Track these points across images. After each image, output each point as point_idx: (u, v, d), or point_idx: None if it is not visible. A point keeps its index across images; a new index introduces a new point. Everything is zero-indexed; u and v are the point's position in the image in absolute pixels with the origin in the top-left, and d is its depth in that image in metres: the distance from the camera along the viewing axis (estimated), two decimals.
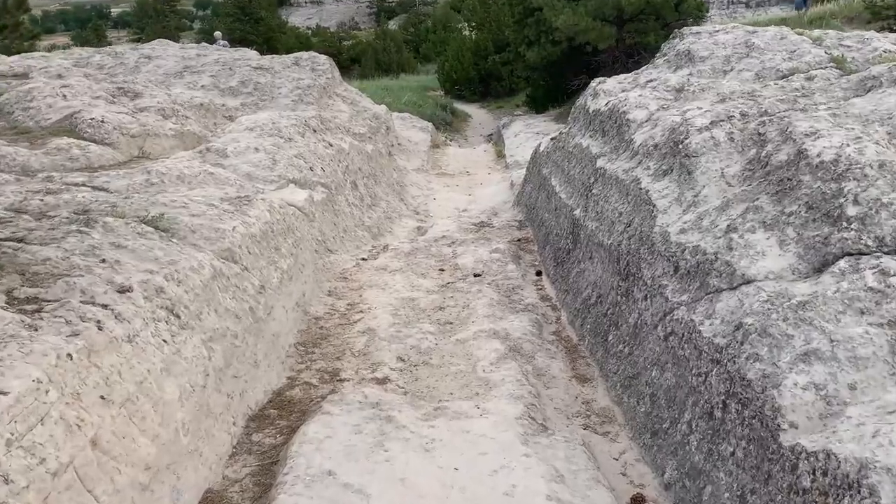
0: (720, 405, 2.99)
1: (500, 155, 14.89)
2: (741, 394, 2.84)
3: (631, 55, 16.93)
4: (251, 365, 3.97)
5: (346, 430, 3.37)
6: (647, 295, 4.07)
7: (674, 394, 3.46)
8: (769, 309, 3.02)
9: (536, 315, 5.28)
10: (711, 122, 4.70)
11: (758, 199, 3.76)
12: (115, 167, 6.94)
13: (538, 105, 20.42)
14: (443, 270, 6.52)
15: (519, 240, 7.65)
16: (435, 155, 14.94)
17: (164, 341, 3.19)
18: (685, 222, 4.08)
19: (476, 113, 23.70)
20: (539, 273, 6.50)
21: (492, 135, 18.79)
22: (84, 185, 5.90)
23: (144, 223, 4.26)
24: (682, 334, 3.49)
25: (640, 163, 5.16)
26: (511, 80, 25.04)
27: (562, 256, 6.16)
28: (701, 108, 5.12)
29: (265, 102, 11.10)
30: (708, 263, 3.57)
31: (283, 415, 3.77)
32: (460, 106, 24.21)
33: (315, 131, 8.89)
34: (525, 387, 4.05)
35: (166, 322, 3.31)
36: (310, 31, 52.79)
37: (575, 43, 17.00)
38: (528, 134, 15.58)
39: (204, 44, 16.15)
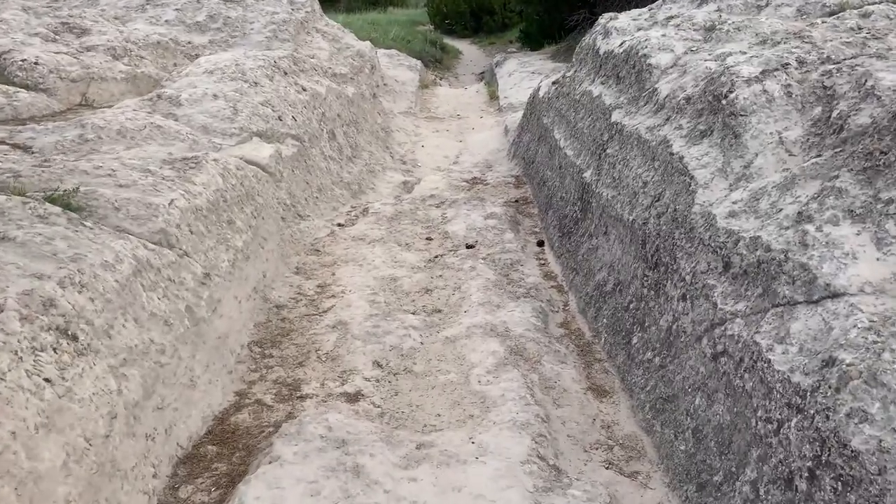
0: (805, 474, 2.19)
1: (493, 96, 13.83)
2: (841, 468, 2.04)
3: None
4: (185, 386, 3.14)
5: (299, 493, 2.55)
6: (685, 294, 3.23)
7: (728, 436, 2.66)
8: (876, 343, 2.19)
9: (541, 301, 4.45)
10: (762, 72, 3.78)
11: (837, 176, 2.89)
12: (48, 118, 5.96)
13: (533, 42, 19.17)
14: (430, 240, 5.66)
15: (517, 200, 6.77)
16: (424, 96, 13.87)
17: (48, 380, 2.34)
18: (735, 202, 3.21)
19: (467, 49, 22.37)
20: (541, 243, 5.65)
21: (484, 73, 17.64)
22: (3, 142, 4.96)
23: (50, 201, 3.36)
24: (741, 359, 2.67)
25: (667, 119, 4.25)
26: (504, 14, 23.67)
27: (568, 226, 5.30)
28: (745, 53, 4.19)
29: (236, 39, 9.99)
30: (774, 264, 2.72)
31: (223, 453, 2.96)
32: (451, 42, 22.85)
33: (286, 73, 7.85)
34: (531, 407, 3.25)
35: (55, 350, 2.46)
36: None
37: None
38: (522, 73, 14.47)
39: None
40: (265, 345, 3.92)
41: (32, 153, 4.82)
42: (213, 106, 6.26)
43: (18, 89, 6.06)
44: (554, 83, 7.80)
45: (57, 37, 7.61)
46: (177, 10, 10.56)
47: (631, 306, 3.78)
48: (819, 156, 3.14)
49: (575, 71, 7.02)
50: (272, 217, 5.26)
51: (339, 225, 6.07)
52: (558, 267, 5.13)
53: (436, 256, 5.28)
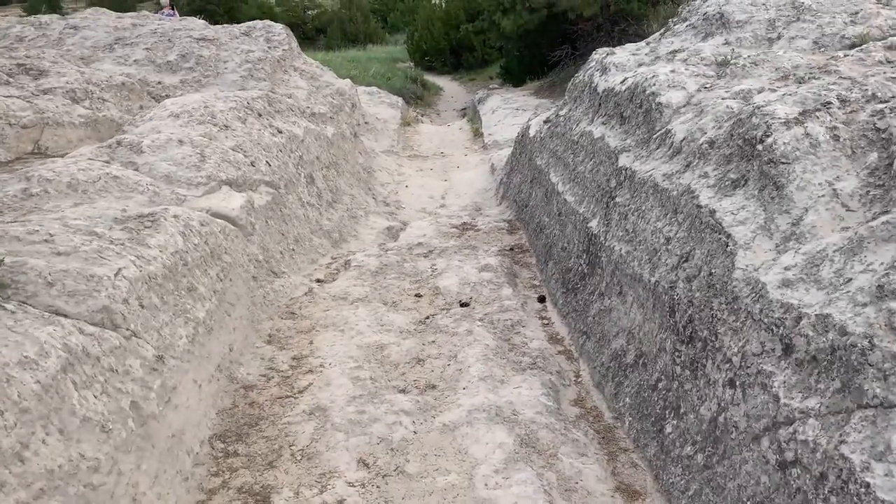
0: None
1: (477, 133, 13.43)
2: None
3: (616, 22, 15.44)
4: None
5: None
6: (733, 380, 2.69)
7: None
8: None
9: (550, 374, 3.90)
10: (802, 113, 3.31)
11: None
12: None
13: (514, 78, 18.90)
14: (420, 297, 5.10)
15: (511, 248, 6.24)
16: (406, 133, 13.43)
17: None
18: (788, 268, 2.70)
19: (448, 86, 22.10)
20: (542, 299, 5.11)
21: (465, 109, 17.30)
22: None
23: None
24: (822, 474, 2.12)
25: (688, 166, 3.76)
26: (484, 50, 23.49)
27: (573, 281, 4.77)
28: (774, 91, 3.73)
29: (209, 79, 9.51)
30: (856, 352, 2.19)
31: None
32: (431, 78, 22.59)
33: (261, 115, 7.33)
34: None
35: None
36: (273, 1, 50.35)
37: (556, 10, 15.45)
38: (506, 110, 14.12)
39: (145, 12, 14.38)
40: (229, 439, 3.32)
41: None
42: (178, 153, 5.70)
43: None
44: (546, 122, 7.34)
45: (11, 79, 7.04)
46: (146, 48, 10.03)
47: (660, 385, 3.24)
48: (887, 212, 2.64)
49: (569, 109, 6.56)
50: (241, 277, 4.68)
51: (317, 281, 5.50)
52: (564, 328, 4.59)
53: (427, 317, 4.72)
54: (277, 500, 2.87)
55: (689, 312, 3.10)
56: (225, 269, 4.46)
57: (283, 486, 2.96)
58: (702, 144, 3.75)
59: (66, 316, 2.91)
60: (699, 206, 3.36)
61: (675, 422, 3.04)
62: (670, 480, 2.92)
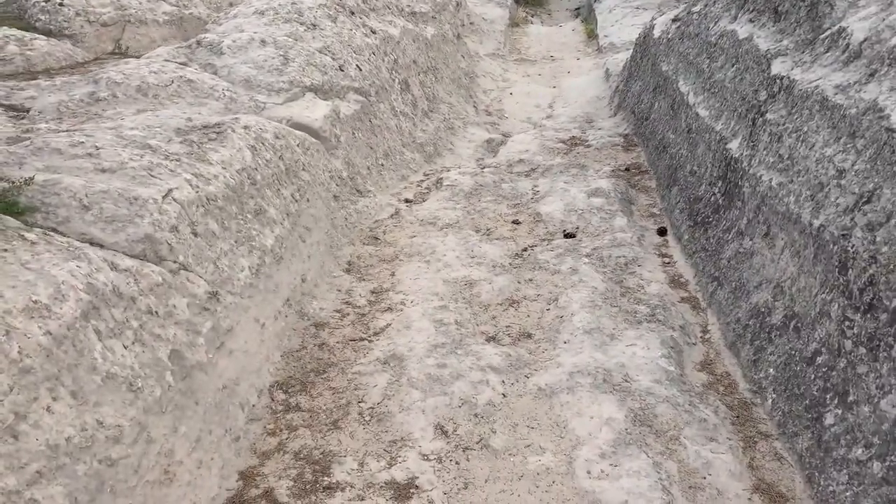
0: None
1: (592, 35, 12.26)
2: None
3: None
4: (154, 484, 2.14)
5: None
6: None
7: None
8: None
9: (671, 329, 3.24)
10: None
11: None
12: (66, 71, 5.06)
13: None
14: (517, 224, 4.48)
15: (627, 168, 5.46)
16: (514, 35, 12.43)
17: None
18: None
19: None
20: (663, 232, 4.37)
21: (580, 9, 15.91)
22: None
23: None
24: None
25: (872, 75, 2.88)
26: None
27: (704, 213, 4.00)
28: None
29: None
30: None
31: None
32: None
33: (353, 13, 6.68)
34: None
35: None
36: None
37: None
38: (625, 9, 12.76)
39: None
40: (293, 388, 2.90)
41: (23, 119, 3.91)
42: (260, 54, 5.18)
43: (36, 36, 5.17)
44: (674, 20, 6.33)
45: None
46: None
47: (819, 361, 2.53)
48: None
49: (705, 4, 5.55)
50: (321, 197, 4.20)
51: (406, 201, 4.96)
52: (689, 270, 3.87)
53: (524, 249, 4.11)
54: (338, 472, 2.43)
55: (871, 272, 2.35)
56: (302, 189, 3.98)
57: (346, 454, 2.52)
58: (894, 48, 2.85)
59: (101, 246, 2.49)
60: (890, 131, 2.52)
61: (839, 411, 2.34)
62: (830, 489, 2.26)
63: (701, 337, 3.28)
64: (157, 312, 2.48)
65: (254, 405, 2.76)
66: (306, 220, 3.89)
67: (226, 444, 2.51)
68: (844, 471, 2.23)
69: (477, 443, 2.57)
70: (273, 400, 2.83)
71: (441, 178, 5.29)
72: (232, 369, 2.73)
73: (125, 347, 2.26)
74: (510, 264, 3.93)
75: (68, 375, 2.01)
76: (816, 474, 2.35)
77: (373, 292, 3.67)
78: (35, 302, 2.04)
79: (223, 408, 2.58)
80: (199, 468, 2.34)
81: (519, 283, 3.72)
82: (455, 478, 2.42)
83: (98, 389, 2.07)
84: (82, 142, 3.05)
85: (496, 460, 2.49)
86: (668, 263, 3.97)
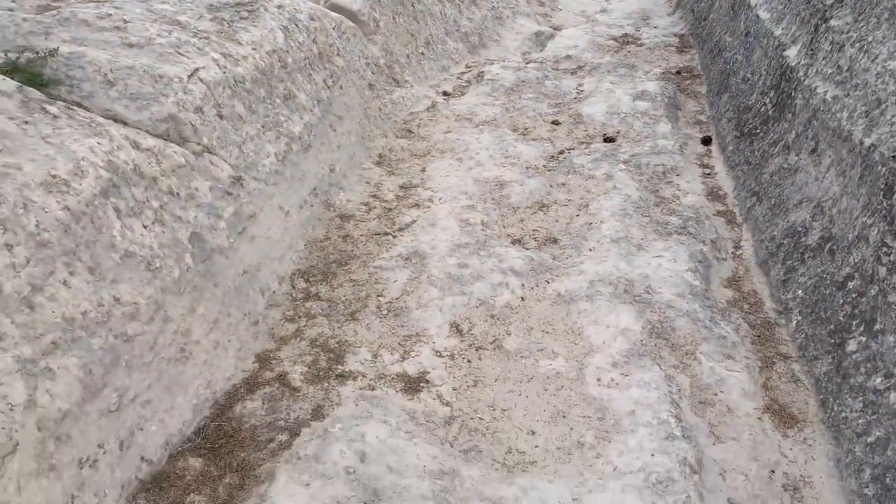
0: None
1: None
2: None
3: None
4: (169, 361, 2.20)
5: None
6: None
7: None
8: None
9: (702, 243, 3.14)
10: None
11: None
12: None
13: None
14: (557, 125, 4.33)
15: (679, 71, 5.19)
16: None
17: None
18: None
19: None
20: (707, 141, 4.19)
21: None
22: None
23: (9, 71, 2.36)
24: None
25: None
26: None
27: (752, 124, 3.80)
28: None
29: None
30: None
31: (207, 474, 2.03)
32: None
33: None
34: (676, 444, 2.10)
35: None
36: None
37: None
38: None
39: None
40: (314, 278, 2.92)
41: None
42: None
43: None
44: None
45: None
46: None
47: (851, 286, 2.43)
48: None
49: None
50: (355, 85, 4.10)
51: (444, 94, 4.82)
52: (730, 182, 3.72)
53: (561, 152, 3.99)
54: (351, 362, 2.47)
55: None
56: (335, 75, 3.88)
57: (361, 345, 2.55)
58: None
59: (124, 123, 2.47)
60: None
61: (863, 339, 2.27)
62: (843, 415, 2.22)
63: (732, 253, 3.19)
64: (178, 194, 2.48)
65: (274, 291, 2.80)
66: (338, 109, 3.81)
67: (244, 328, 2.56)
68: (860, 398, 2.19)
69: (490, 343, 2.58)
70: (294, 288, 2.86)
71: (483, 72, 5.11)
72: (253, 255, 2.75)
73: (145, 227, 2.28)
74: (544, 167, 3.83)
75: (86, 252, 2.03)
76: (831, 399, 2.31)
77: (401, 187, 3.63)
78: (54, 177, 2.04)
79: (243, 292, 2.62)
80: (216, 349, 2.40)
81: (551, 186, 3.64)
82: (466, 375, 2.45)
83: (116, 267, 2.11)
84: (110, 14, 2.98)
85: (508, 361, 2.50)
86: (709, 175, 3.82)
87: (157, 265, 2.24)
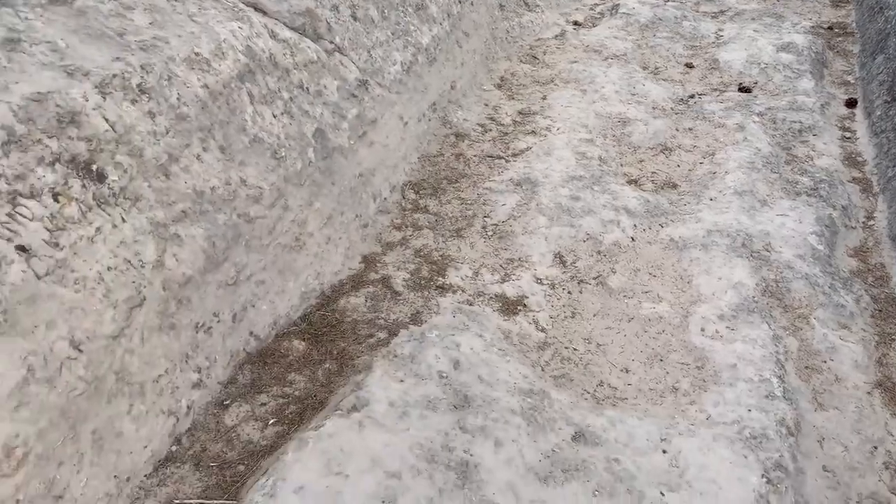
0: None
1: None
2: None
3: None
4: (284, 248, 2.28)
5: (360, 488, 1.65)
6: None
7: None
8: None
9: (831, 207, 2.96)
10: None
11: None
12: None
13: None
14: (690, 68, 4.13)
15: (830, 27, 4.82)
16: None
17: (22, 250, 1.54)
18: None
19: None
20: (852, 103, 3.90)
21: None
22: None
23: None
24: None
25: None
26: None
27: None
28: None
29: None
30: None
31: (310, 357, 2.12)
32: None
33: None
34: (776, 405, 2.04)
35: (55, 196, 1.63)
36: None
37: None
38: None
39: None
40: (424, 191, 2.94)
41: None
42: None
43: None
44: None
45: None
46: None
47: None
48: None
49: None
50: (486, 3, 4.01)
51: (574, 23, 4.66)
52: (871, 150, 3.46)
53: (691, 96, 3.81)
54: (452, 276, 2.49)
55: None
56: None
57: (463, 262, 2.57)
58: None
59: (264, 12, 2.52)
60: None
61: None
62: None
63: (863, 223, 2.99)
64: (307, 89, 2.52)
65: (385, 198, 2.83)
66: (466, 25, 3.75)
67: (354, 228, 2.61)
68: None
69: (594, 278, 2.55)
70: (404, 198, 2.89)
71: (618, 4, 4.90)
72: (370, 160, 2.78)
73: (274, 116, 2.34)
74: (672, 109, 3.67)
75: (219, 131, 2.11)
76: None
77: (520, 112, 3.56)
78: (197, 54, 2.11)
79: (357, 194, 2.67)
80: (328, 243, 2.47)
81: (677, 130, 3.49)
82: (564, 305, 2.43)
83: (244, 150, 2.18)
84: None
85: (609, 298, 2.47)
86: (848, 139, 3.57)
87: (282, 154, 2.31)
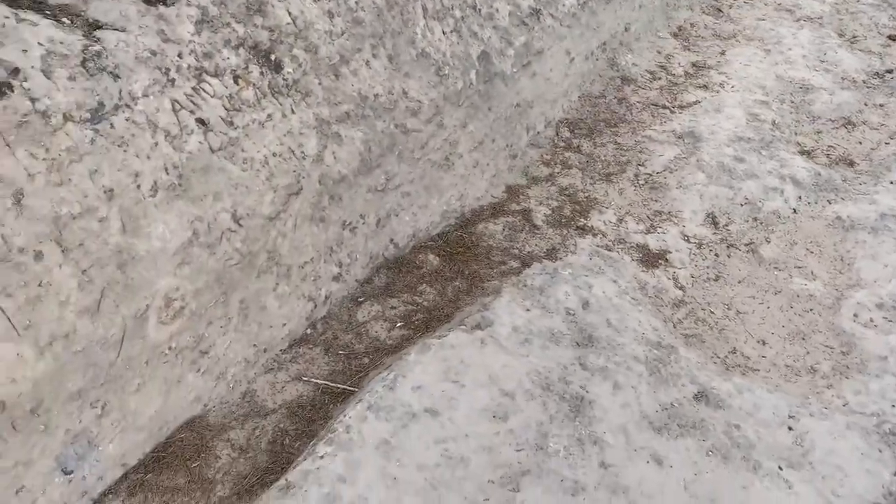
0: None
1: None
2: None
3: None
4: (433, 165, 2.31)
5: (471, 413, 1.69)
6: None
7: None
8: None
9: None
10: None
11: None
12: None
13: None
14: (893, 41, 3.74)
15: None
16: None
17: (201, 122, 1.67)
18: None
19: None
20: None
21: None
22: None
23: None
24: None
25: None
26: None
27: None
28: None
29: None
30: None
31: (442, 272, 2.17)
32: None
33: None
34: None
35: (235, 78, 1.74)
36: None
37: None
38: None
39: None
40: (579, 131, 2.88)
41: None
42: None
43: None
44: None
45: None
46: None
47: None
48: None
49: None
50: None
51: None
52: None
53: (889, 70, 3.46)
54: (595, 219, 2.45)
55: None
56: None
57: (609, 207, 2.52)
58: None
59: None
60: None
61: None
62: None
63: None
64: (479, 10, 2.51)
65: (538, 132, 2.81)
66: None
67: (503, 157, 2.62)
68: None
69: (745, 244, 2.42)
70: (557, 135, 2.85)
71: None
72: (529, 91, 2.75)
73: (444, 33, 2.35)
74: (863, 82, 3.36)
75: (390, 40, 2.15)
76: None
77: (693, 65, 3.39)
78: None
79: (511, 124, 2.66)
80: (475, 167, 2.49)
81: (865, 105, 3.19)
82: (709, 267, 2.33)
83: (411, 62, 2.22)
84: None
85: (758, 268, 2.34)
86: None
87: (446, 72, 2.33)
